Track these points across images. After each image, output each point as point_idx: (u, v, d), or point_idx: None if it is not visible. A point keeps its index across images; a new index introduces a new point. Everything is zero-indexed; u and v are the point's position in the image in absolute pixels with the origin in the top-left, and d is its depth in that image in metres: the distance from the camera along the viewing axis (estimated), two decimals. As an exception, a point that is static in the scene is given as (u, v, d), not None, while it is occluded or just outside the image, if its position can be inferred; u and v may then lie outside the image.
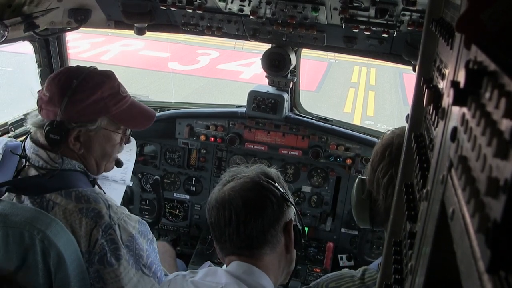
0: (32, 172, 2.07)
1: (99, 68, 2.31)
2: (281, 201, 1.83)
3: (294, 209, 1.91)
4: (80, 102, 2.08)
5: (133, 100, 2.32)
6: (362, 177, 1.98)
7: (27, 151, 2.11)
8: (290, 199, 1.89)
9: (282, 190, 1.85)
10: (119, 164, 2.46)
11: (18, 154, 2.11)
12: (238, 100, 3.91)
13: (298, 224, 1.91)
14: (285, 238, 1.85)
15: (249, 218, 1.76)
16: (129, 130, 2.36)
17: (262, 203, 1.79)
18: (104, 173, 2.39)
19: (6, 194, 1.99)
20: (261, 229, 1.77)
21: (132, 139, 3.07)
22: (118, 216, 2.00)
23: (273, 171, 1.95)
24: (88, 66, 2.27)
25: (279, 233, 1.82)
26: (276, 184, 1.86)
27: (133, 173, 3.90)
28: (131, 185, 3.32)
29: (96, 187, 2.24)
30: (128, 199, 3.94)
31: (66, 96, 2.06)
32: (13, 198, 2.03)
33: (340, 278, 1.90)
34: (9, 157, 2.12)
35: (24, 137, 2.24)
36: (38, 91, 2.20)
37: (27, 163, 2.08)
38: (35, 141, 2.12)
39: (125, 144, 2.38)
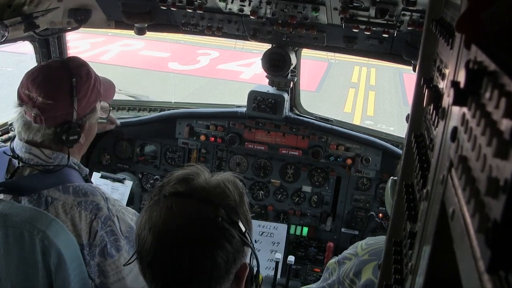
0: (27, 172, 2.07)
1: (99, 68, 2.40)
2: (238, 247, 1.38)
3: (253, 251, 1.48)
4: (84, 97, 2.14)
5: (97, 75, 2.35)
6: (394, 178, 2.01)
7: (18, 151, 2.09)
8: (251, 239, 1.45)
9: (243, 229, 1.39)
10: None
11: (10, 155, 2.08)
12: (238, 100, 3.91)
13: (254, 267, 1.51)
14: None
15: (190, 277, 1.34)
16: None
17: (212, 258, 1.33)
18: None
19: (2, 196, 1.99)
20: None
21: (129, 182, 3.38)
22: (116, 208, 2.04)
23: (237, 191, 1.46)
24: (55, 59, 2.39)
25: (227, 286, 1.41)
26: (239, 222, 1.39)
27: (133, 173, 3.92)
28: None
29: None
30: (128, 199, 3.94)
31: (74, 97, 2.08)
32: (10, 200, 2.03)
33: (378, 238, 2.15)
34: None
35: (10, 140, 2.23)
36: (23, 103, 2.09)
37: (21, 164, 2.07)
38: (28, 141, 2.09)
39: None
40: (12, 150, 2.11)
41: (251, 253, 1.49)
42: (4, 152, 2.12)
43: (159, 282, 1.36)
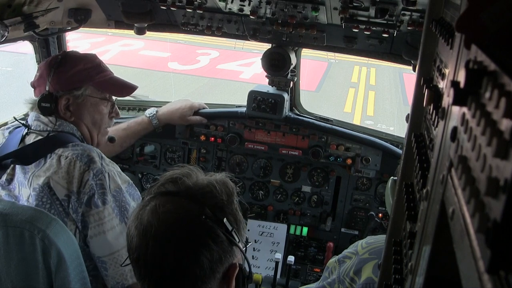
0: (32, 138, 2.26)
1: None
2: (225, 246, 1.37)
3: (241, 251, 1.46)
4: (64, 72, 2.34)
5: (115, 76, 2.55)
6: (394, 178, 2.02)
7: (29, 121, 2.34)
8: (240, 239, 1.43)
9: (229, 228, 1.39)
10: (112, 140, 2.70)
11: (21, 123, 2.34)
12: (238, 100, 3.91)
13: (245, 267, 1.49)
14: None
15: (174, 276, 1.34)
16: (115, 102, 2.56)
17: (195, 255, 1.33)
18: None
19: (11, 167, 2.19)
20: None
21: None
22: (109, 167, 2.18)
23: (226, 191, 1.44)
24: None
25: (214, 286, 1.40)
26: (225, 220, 1.38)
27: (133, 173, 3.92)
28: None
29: None
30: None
31: (52, 69, 2.34)
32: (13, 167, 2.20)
33: (379, 236, 2.18)
34: (13, 133, 2.33)
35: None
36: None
37: (29, 130, 2.29)
38: (35, 110, 2.35)
39: (114, 117, 2.58)
40: (26, 121, 2.37)
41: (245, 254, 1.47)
42: (15, 118, 2.43)
43: (145, 279, 1.37)
